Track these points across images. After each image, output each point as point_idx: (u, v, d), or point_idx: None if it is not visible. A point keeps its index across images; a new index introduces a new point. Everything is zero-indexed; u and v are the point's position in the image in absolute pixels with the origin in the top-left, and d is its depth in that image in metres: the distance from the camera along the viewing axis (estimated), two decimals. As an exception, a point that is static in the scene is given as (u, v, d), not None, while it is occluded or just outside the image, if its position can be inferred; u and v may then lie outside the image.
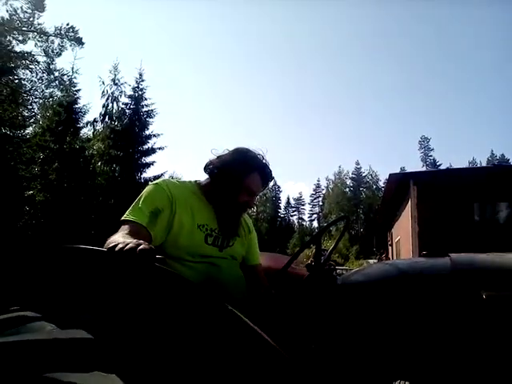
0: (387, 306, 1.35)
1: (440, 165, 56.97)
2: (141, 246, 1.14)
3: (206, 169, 1.86)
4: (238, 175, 1.78)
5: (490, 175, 12.01)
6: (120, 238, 1.31)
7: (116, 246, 1.17)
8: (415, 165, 61.23)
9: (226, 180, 1.78)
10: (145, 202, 1.66)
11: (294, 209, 77.03)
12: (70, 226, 17.21)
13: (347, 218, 1.93)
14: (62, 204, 18.02)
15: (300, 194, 78.11)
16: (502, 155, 61.24)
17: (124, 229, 1.53)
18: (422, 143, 62.29)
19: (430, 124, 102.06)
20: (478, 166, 47.41)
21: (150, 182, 1.89)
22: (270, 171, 1.87)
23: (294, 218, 76.95)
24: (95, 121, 23.43)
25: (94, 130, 23.83)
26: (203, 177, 1.90)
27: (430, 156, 61.26)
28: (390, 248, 22.49)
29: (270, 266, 2.07)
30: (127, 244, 1.15)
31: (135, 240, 1.20)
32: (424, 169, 49.08)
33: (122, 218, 1.61)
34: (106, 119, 23.38)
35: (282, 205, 74.14)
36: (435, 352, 1.24)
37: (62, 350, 0.93)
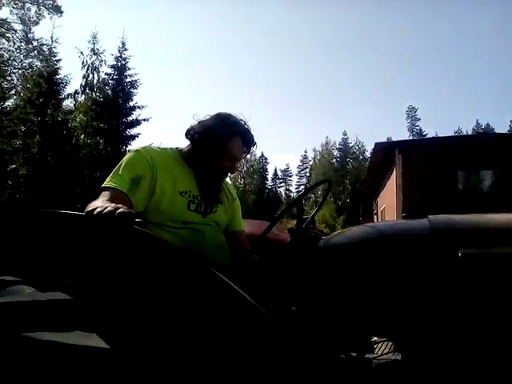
0: (367, 265, 1.37)
1: (426, 135, 56.88)
2: (119, 210, 1.14)
3: (187, 134, 1.83)
4: (220, 140, 1.76)
5: (474, 143, 12.16)
6: (99, 203, 1.30)
7: (94, 209, 1.16)
8: (402, 136, 61.35)
9: (207, 145, 1.76)
10: (125, 168, 1.65)
11: (281, 180, 77.12)
12: (54, 199, 17.03)
13: (329, 181, 1.93)
14: (45, 178, 17.77)
15: (287, 165, 78.17)
16: (487, 125, 61.65)
17: (104, 195, 1.52)
18: (410, 113, 62.32)
19: (417, 94, 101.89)
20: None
21: None
22: (253, 136, 1.85)
23: (282, 189, 77.12)
24: (76, 92, 22.85)
25: (76, 101, 23.27)
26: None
27: (417, 126, 61.42)
28: (375, 217, 22.80)
29: (254, 232, 2.08)
30: (105, 208, 1.16)
31: (114, 204, 1.20)
32: (411, 138, 49.23)
33: (103, 185, 1.60)
34: (87, 90, 22.78)
35: (270, 176, 74.12)
36: (413, 310, 1.27)
37: (42, 311, 0.93)
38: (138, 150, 1.75)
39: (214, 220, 1.82)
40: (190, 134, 1.82)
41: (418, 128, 60.74)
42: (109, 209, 1.15)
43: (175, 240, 1.60)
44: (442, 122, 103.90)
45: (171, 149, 1.88)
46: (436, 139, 14.03)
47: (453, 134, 57.52)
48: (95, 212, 1.16)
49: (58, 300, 0.97)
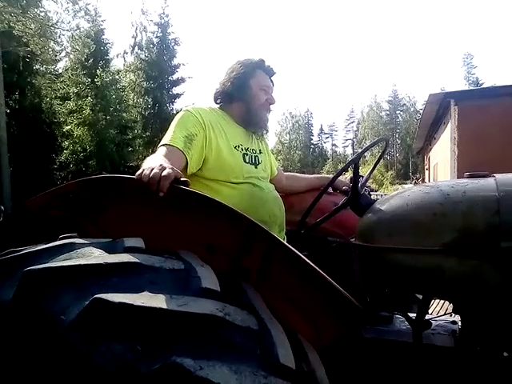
0: (427, 228, 1.31)
1: (483, 84, 53.10)
2: (164, 172, 1.14)
3: (216, 98, 1.94)
4: (247, 79, 1.87)
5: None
6: (151, 162, 1.31)
7: (142, 172, 1.18)
8: (457, 86, 57.58)
9: (241, 90, 1.87)
10: (178, 127, 1.70)
11: (327, 135, 75.91)
12: (109, 158, 17.73)
13: (386, 140, 1.86)
14: (100, 137, 18.45)
15: (333, 120, 76.35)
16: (553, 70, 56.47)
17: (160, 151, 1.57)
18: (466, 60, 58.04)
19: (474, 40, 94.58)
20: (526, 83, 43.99)
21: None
22: (269, 65, 1.95)
23: (328, 144, 76.09)
24: (125, 52, 22.96)
25: (125, 61, 23.49)
26: None
27: (473, 74, 57.26)
28: (426, 172, 22.08)
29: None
30: (152, 169, 1.16)
31: (159, 165, 1.19)
32: (466, 88, 46.16)
33: (159, 145, 1.64)
34: (136, 50, 22.82)
35: (315, 132, 73.08)
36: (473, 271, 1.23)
37: (112, 272, 0.97)
38: (188, 110, 1.79)
39: (263, 169, 1.89)
40: (220, 94, 1.91)
41: (474, 76, 56.70)
42: (155, 171, 1.16)
43: (237, 194, 1.70)
44: (501, 70, 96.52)
45: (215, 109, 1.94)
46: (495, 89, 13.05)
47: (514, 82, 53.57)
48: (143, 175, 1.16)
49: (126, 262, 1.00)
